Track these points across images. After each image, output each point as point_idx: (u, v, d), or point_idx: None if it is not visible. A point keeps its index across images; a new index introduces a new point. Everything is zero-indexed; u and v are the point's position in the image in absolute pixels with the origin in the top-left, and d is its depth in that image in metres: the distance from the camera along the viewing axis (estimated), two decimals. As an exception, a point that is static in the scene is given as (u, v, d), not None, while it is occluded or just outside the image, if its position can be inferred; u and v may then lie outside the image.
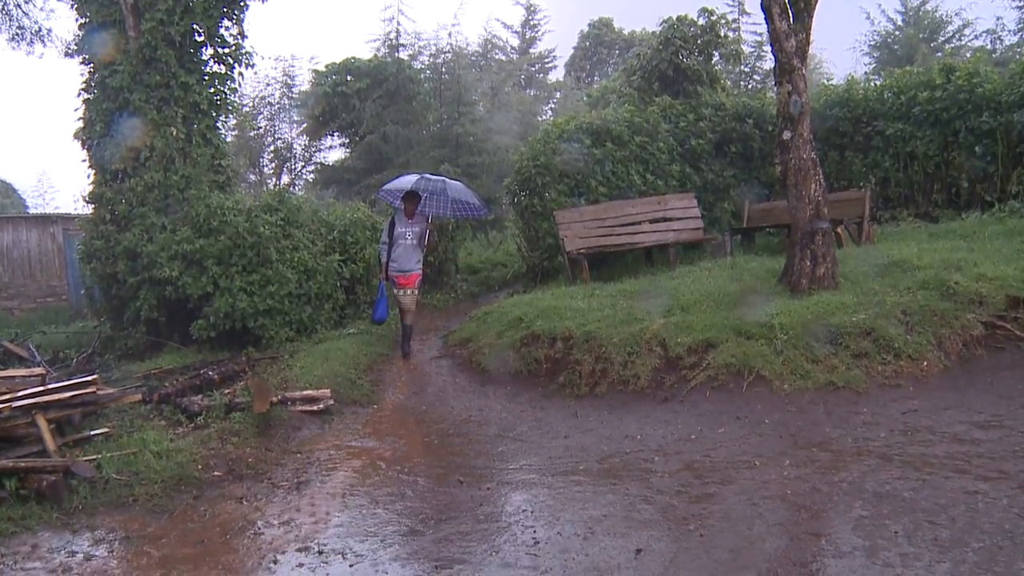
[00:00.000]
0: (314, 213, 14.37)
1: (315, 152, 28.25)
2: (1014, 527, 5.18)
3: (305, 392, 9.29)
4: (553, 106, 38.52)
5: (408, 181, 12.27)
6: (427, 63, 25.69)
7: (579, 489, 6.49)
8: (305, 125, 25.21)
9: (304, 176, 28.92)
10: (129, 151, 12.98)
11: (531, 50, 44.18)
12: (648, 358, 8.91)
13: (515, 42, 44.04)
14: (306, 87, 25.70)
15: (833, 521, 5.57)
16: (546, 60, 44.43)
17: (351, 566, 5.33)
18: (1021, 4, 28.30)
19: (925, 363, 8.36)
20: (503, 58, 42.53)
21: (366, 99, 23.55)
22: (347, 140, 25.71)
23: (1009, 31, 29.77)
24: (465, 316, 13.21)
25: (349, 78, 23.93)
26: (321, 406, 9.12)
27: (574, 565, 5.11)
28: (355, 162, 24.41)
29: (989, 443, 6.74)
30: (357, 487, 6.94)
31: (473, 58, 37.55)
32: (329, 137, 26.67)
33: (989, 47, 28.99)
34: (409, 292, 11.64)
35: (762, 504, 5.89)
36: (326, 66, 24.55)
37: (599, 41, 40.99)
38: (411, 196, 11.74)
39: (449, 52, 26.09)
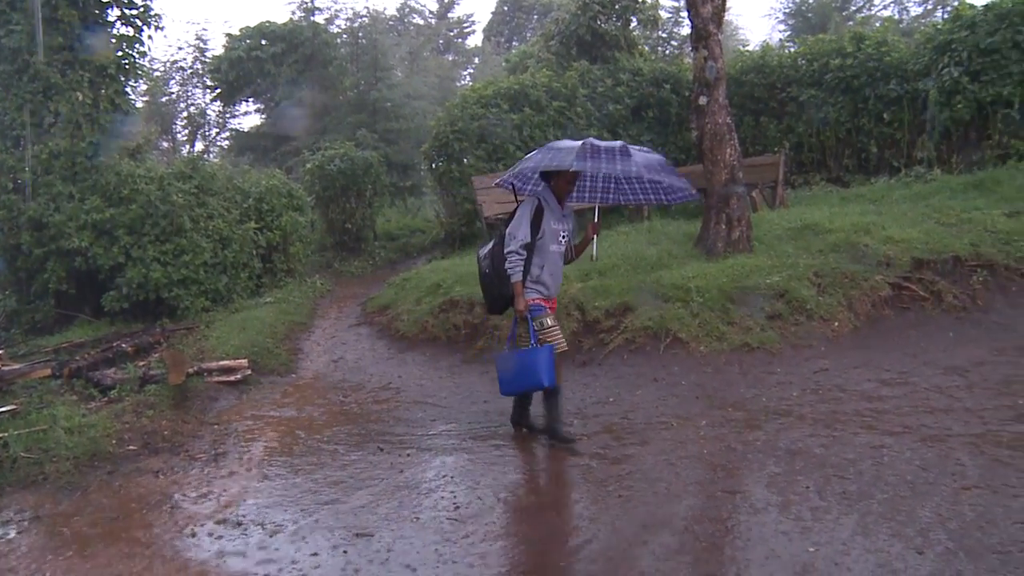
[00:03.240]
0: (229, 180, 14.05)
1: (229, 118, 27.65)
2: (915, 478, 5.40)
3: (222, 362, 9.13)
4: (472, 71, 38.27)
5: (567, 149, 6.43)
6: (343, 27, 25.26)
7: (499, 453, 6.52)
8: (219, 91, 24.57)
9: (219, 143, 28.30)
10: (31, 116, 12.50)
11: (449, 15, 43.72)
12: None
13: (433, 6, 43.55)
14: (219, 51, 25.06)
15: (748, 478, 5.69)
16: (465, 25, 44.08)
17: (271, 536, 5.26)
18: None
19: (836, 323, 8.59)
20: (421, 22, 42.05)
21: (281, 64, 23.08)
22: (262, 106, 25.21)
23: (915, 2, 30.57)
24: (383, 283, 13.10)
25: (264, 42, 23.40)
26: (239, 376, 8.98)
27: (495, 529, 5.13)
28: (271, 128, 23.98)
29: (894, 399, 6.98)
30: (276, 457, 6.85)
31: (390, 22, 37.02)
32: (244, 103, 26.10)
33: (896, 17, 29.64)
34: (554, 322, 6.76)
35: (679, 464, 5.99)
36: (240, 30, 23.95)
37: (518, 6, 40.71)
38: (568, 174, 6.66)
39: (366, 16, 25.70)
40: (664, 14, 26.45)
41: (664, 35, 27.11)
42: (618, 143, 6.61)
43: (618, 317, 8.84)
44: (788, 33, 31.94)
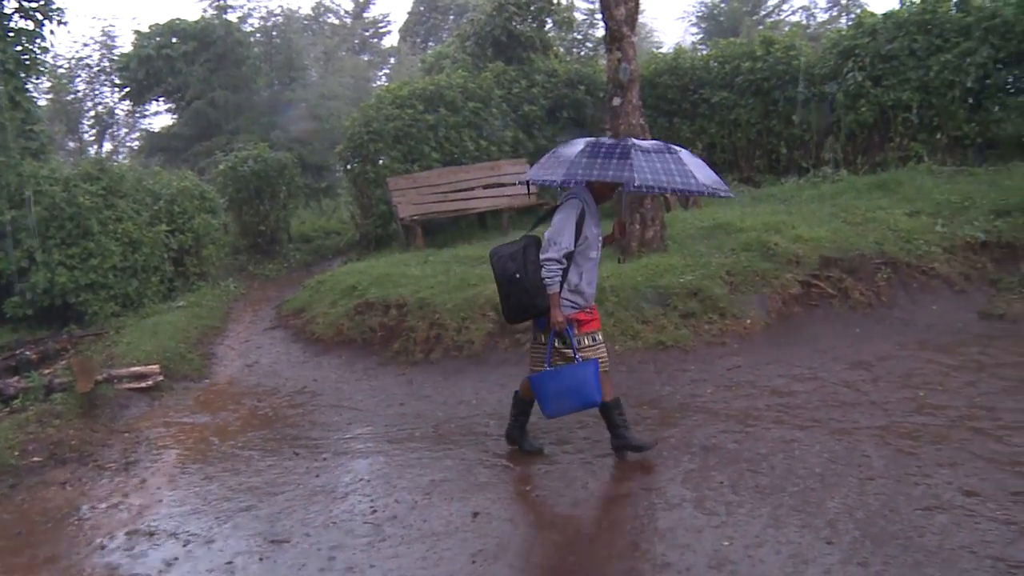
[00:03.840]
0: (138, 182, 13.74)
1: (139, 118, 27.03)
2: (824, 470, 5.56)
3: (132, 368, 8.95)
4: (388, 72, 38.06)
5: (620, 160, 5.81)
6: (257, 26, 24.90)
7: (416, 456, 6.51)
8: (127, 90, 23.98)
9: (128, 143, 27.64)
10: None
11: (365, 14, 43.35)
12: (482, 323, 8.99)
13: (349, 6, 43.14)
14: (128, 49, 24.45)
15: (663, 475, 5.76)
16: (380, 25, 43.74)
17: (184, 546, 5.18)
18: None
19: (748, 321, 8.77)
20: (336, 22, 41.64)
21: (193, 63, 22.62)
22: (173, 106, 24.67)
23: (821, 9, 31.51)
24: (298, 286, 12.95)
25: (174, 40, 22.90)
26: (150, 382, 8.82)
27: (412, 531, 5.12)
28: (182, 129, 23.49)
29: (805, 394, 7.16)
30: (189, 464, 6.74)
31: (305, 22, 36.63)
32: (154, 102, 25.52)
33: (804, 23, 30.41)
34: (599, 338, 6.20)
35: (595, 462, 6.06)
36: (149, 27, 23.39)
37: (433, 6, 40.57)
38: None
39: (280, 15, 25.38)
40: (579, 16, 26.69)
41: (579, 37, 27.28)
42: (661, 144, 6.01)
43: (534, 317, 8.91)
44: (701, 36, 32.55)
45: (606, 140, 6.02)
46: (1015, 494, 5.03)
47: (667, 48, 23.51)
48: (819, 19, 31.23)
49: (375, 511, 5.47)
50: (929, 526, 4.69)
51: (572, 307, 5.90)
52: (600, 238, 6.09)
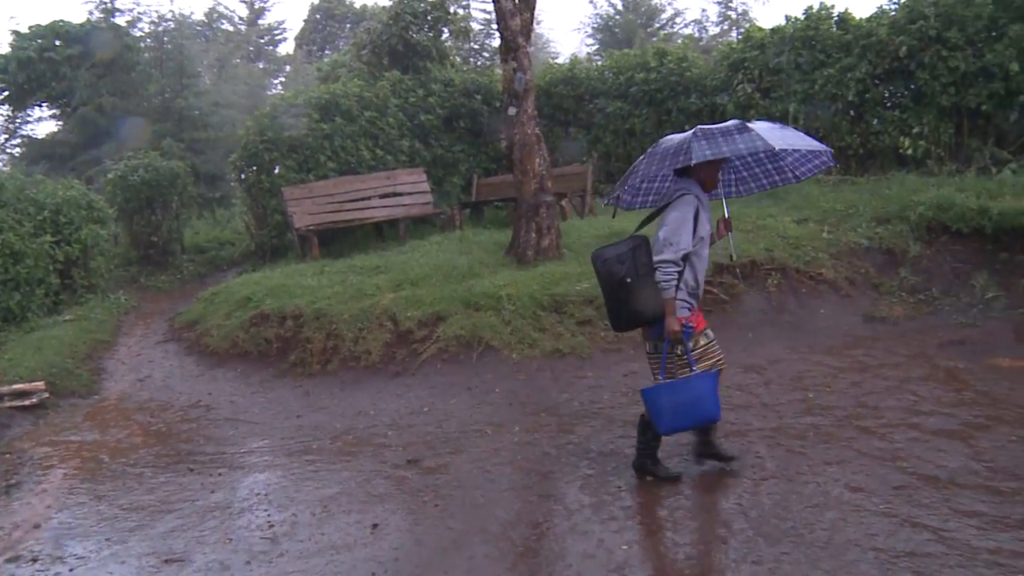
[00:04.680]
0: (20, 191, 13.21)
1: (21, 124, 25.96)
2: (719, 472, 5.71)
3: (15, 386, 8.62)
4: (283, 80, 37.53)
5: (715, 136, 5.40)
6: (147, 31, 24.21)
7: (313, 469, 6.44)
8: (6, 94, 23.02)
9: (8, 150, 26.55)
10: None
11: (259, 21, 42.70)
12: (379, 333, 8.93)
13: (243, 12, 42.45)
14: (5, 50, 23.50)
15: (561, 481, 5.83)
16: (275, 32, 43.13)
17: (71, 570, 5.01)
18: (721, 1, 30.87)
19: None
20: (230, 29, 40.90)
21: (78, 67, 21.87)
22: (58, 112, 23.80)
23: (713, 22, 32.25)
24: (192, 297, 12.64)
25: (58, 43, 22.10)
26: (34, 400, 8.52)
27: (311, 545, 5.07)
28: (68, 135, 22.64)
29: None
30: (77, 484, 6.52)
31: (198, 28, 35.84)
32: (37, 108, 24.55)
33: (696, 35, 31.09)
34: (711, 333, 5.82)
35: (494, 471, 6.08)
36: (30, 28, 22.51)
37: (330, 14, 40.14)
38: (715, 164, 5.55)
39: (171, 20, 24.72)
40: (476, 26, 26.84)
41: (476, 46, 27.42)
42: (732, 122, 5.49)
43: (431, 327, 8.89)
44: (596, 47, 32.96)
45: (706, 126, 5.49)
46: (896, 488, 5.26)
47: (563, 59, 23.82)
48: (711, 32, 31.99)
49: (272, 526, 5.39)
50: (818, 522, 4.86)
51: (688, 309, 5.49)
52: (710, 233, 5.66)
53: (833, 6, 14.03)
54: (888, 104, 13.07)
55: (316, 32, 40.74)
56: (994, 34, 11.99)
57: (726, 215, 5.82)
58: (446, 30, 19.04)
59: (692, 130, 5.39)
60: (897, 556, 4.42)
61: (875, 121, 13.04)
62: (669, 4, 34.90)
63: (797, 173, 5.99)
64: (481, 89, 17.13)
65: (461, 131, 16.93)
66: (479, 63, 25.70)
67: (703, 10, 55.49)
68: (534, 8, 11.11)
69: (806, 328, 9.11)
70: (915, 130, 12.51)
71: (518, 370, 8.25)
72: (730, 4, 31.09)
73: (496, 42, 11.85)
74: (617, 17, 33.62)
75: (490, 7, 11.09)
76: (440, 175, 16.27)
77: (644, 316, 5.45)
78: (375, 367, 8.72)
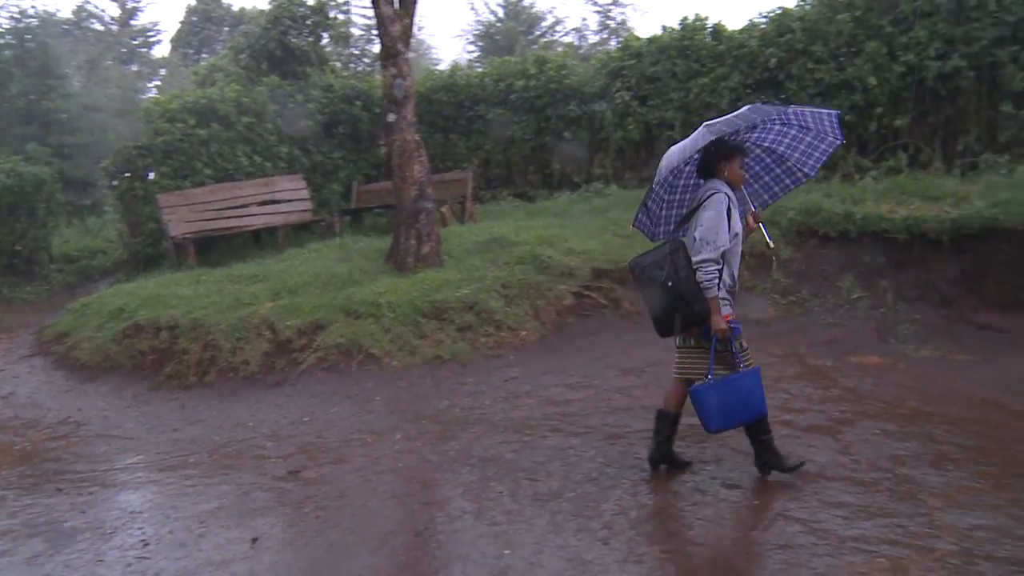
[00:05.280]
0: None
1: None
2: (600, 474, 5.80)
3: None
4: (158, 83, 36.49)
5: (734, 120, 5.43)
6: (7, 27, 23.21)
7: (190, 483, 6.27)
8: None
9: None
10: None
11: (132, 22, 41.39)
12: (258, 343, 8.78)
13: (115, 12, 41.06)
14: None
15: (444, 488, 5.84)
16: (149, 34, 41.88)
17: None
18: (601, 9, 31.36)
19: (524, 332, 9.00)
20: (100, 28, 39.53)
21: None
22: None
23: (593, 31, 32.74)
24: (61, 309, 12.14)
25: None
26: None
27: (188, 562, 4.93)
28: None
29: (579, 402, 7.43)
30: (-70, 512, 6.20)
31: (65, 26, 34.53)
32: None
33: (576, 43, 31.52)
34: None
35: (376, 480, 6.04)
36: None
37: (207, 16, 39.18)
38: (733, 151, 5.54)
39: (34, 17, 23.75)
40: (356, 31, 26.63)
41: (356, 52, 27.18)
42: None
43: (310, 335, 8.77)
44: (477, 54, 33.09)
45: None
46: (769, 483, 5.50)
47: (444, 65, 23.85)
48: (590, 40, 32.50)
49: (147, 544, 5.22)
50: (697, 520, 5.02)
51: (729, 306, 5.42)
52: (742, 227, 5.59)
53: (707, 18, 14.44)
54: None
55: (193, 35, 39.74)
56: (853, 49, 12.57)
57: (752, 208, 5.76)
58: (326, 35, 18.86)
59: (705, 125, 5.32)
60: (771, 549, 4.60)
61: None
62: (550, 12, 35.49)
63: (806, 169, 5.96)
64: (361, 95, 17.00)
65: (341, 137, 16.76)
66: (359, 69, 25.46)
67: (583, 19, 56.41)
68: (414, 14, 11.10)
69: (683, 331, 9.32)
70: (785, 138, 12.94)
71: (399, 377, 8.22)
72: (609, 13, 31.67)
73: (376, 48, 11.81)
74: (498, 24, 33.85)
75: (371, 12, 11.04)
76: (320, 182, 16.07)
77: (692, 318, 5.39)
78: (254, 377, 8.55)
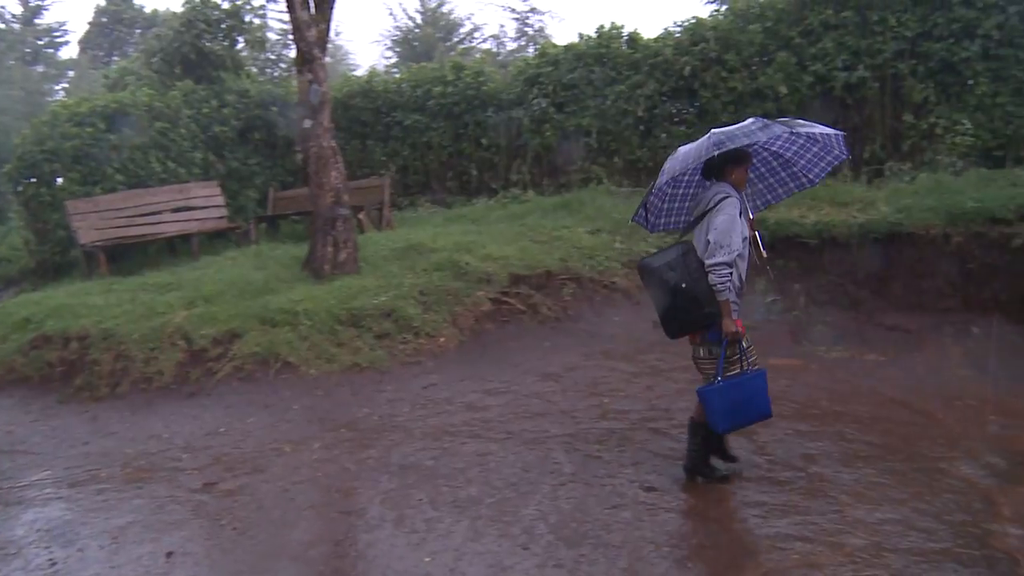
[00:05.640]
0: None
1: None
2: (519, 479, 5.84)
3: None
4: (66, 86, 35.49)
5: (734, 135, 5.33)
6: None
7: (102, 498, 6.12)
8: None
9: None
10: None
11: (37, 21, 40.16)
12: (171, 353, 8.60)
13: (17, 9, 39.80)
14: None
15: (363, 497, 5.82)
16: (56, 34, 40.69)
17: None
18: (519, 16, 31.54)
19: (442, 339, 9.00)
20: (2, 27, 38.30)
21: None
22: None
23: (511, 38, 32.86)
24: (-38, 321, 11.79)
25: None
26: None
27: (97, 581, 4.84)
28: None
29: (498, 408, 7.46)
30: None
31: (-37, 24, 33.40)
32: None
33: (494, 50, 31.61)
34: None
35: (294, 490, 5.99)
36: None
37: (117, 18, 38.19)
38: (743, 157, 5.62)
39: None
40: (272, 36, 26.33)
41: (272, 57, 26.90)
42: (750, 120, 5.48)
43: (226, 345, 8.62)
44: (395, 60, 32.94)
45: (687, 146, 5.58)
46: (687, 485, 5.63)
47: (362, 71, 23.73)
48: (508, 47, 32.60)
49: (55, 563, 5.09)
50: (615, 523, 5.09)
51: (738, 310, 5.49)
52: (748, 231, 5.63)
53: (623, 26, 14.64)
54: (675, 120, 13.75)
55: (103, 36, 38.74)
56: (765, 59, 12.92)
57: (750, 215, 5.80)
58: (241, 39, 18.58)
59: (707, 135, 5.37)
60: (690, 550, 4.71)
61: (663, 136, 13.67)
62: (468, 19, 35.43)
63: (811, 176, 6.02)
64: (277, 100, 16.79)
65: (257, 143, 16.55)
66: (276, 74, 25.20)
67: (501, 26, 56.59)
68: (331, 19, 11.01)
69: (601, 335, 9.44)
70: (697, 145, 13.19)
71: (316, 386, 8.15)
72: (527, 21, 31.84)
73: (293, 53, 11.68)
74: (416, 30, 33.75)
75: (287, 17, 10.93)
76: (235, 188, 15.82)
77: (703, 320, 5.43)
78: (168, 388, 8.37)
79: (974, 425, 6.49)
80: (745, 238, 5.46)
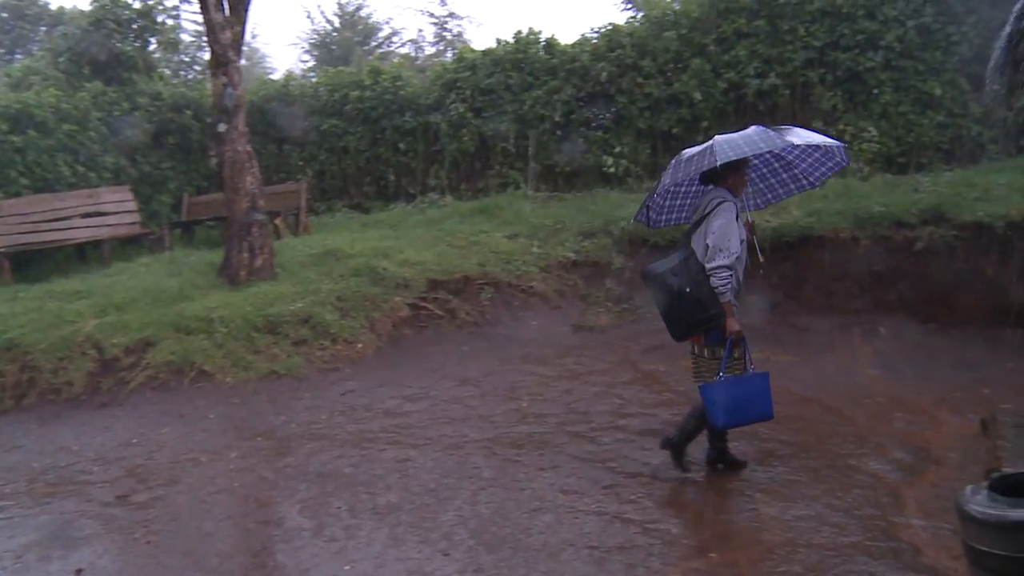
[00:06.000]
0: None
1: None
2: (439, 485, 5.85)
3: None
4: (-36, 85, 34.23)
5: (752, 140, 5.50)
6: None
7: (6, 516, 5.92)
8: None
9: None
10: None
11: (-75, 14, 38.65)
12: (81, 362, 8.36)
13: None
14: None
15: (281, 506, 5.76)
16: (-51, 30, 39.27)
17: None
18: (437, 21, 31.50)
19: (360, 345, 8.96)
20: None
21: None
22: None
23: (429, 43, 32.72)
24: None
25: None
26: None
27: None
28: None
29: (417, 413, 7.47)
30: None
31: None
32: None
33: (412, 55, 31.44)
34: None
35: (211, 500, 5.92)
36: None
37: (20, 14, 36.96)
38: (741, 162, 5.62)
39: None
40: (187, 37, 25.82)
41: (187, 59, 26.40)
42: (752, 128, 5.66)
43: (139, 353, 8.43)
44: (312, 63, 32.56)
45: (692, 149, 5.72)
46: (606, 488, 5.66)
47: (278, 74, 23.39)
48: (427, 52, 32.46)
49: (-49, 586, 4.94)
50: (535, 526, 5.12)
51: (736, 313, 5.59)
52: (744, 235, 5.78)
53: (541, 32, 14.75)
54: (592, 125, 13.87)
55: (4, 33, 37.56)
56: (680, 66, 13.15)
57: (749, 219, 5.96)
58: (153, 40, 18.21)
59: (711, 140, 5.51)
60: (609, 551, 4.76)
61: (580, 141, 13.79)
62: (387, 23, 35.05)
63: (812, 179, 6.16)
64: (191, 104, 16.49)
65: (171, 147, 16.21)
66: (190, 76, 24.73)
67: (420, 30, 56.31)
68: (246, 21, 10.87)
69: (519, 339, 9.50)
70: (616, 150, 13.41)
71: (233, 394, 8.04)
72: (446, 26, 31.80)
73: (207, 55, 11.49)
74: (334, 34, 33.40)
75: (201, 18, 10.74)
76: (148, 193, 15.47)
77: (707, 322, 5.56)
78: (78, 399, 8.14)
79: (882, 422, 6.68)
80: (743, 241, 5.60)
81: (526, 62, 14.34)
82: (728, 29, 12.85)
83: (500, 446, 6.54)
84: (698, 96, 12.76)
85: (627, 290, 10.29)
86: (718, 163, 5.32)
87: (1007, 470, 4.04)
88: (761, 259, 6.05)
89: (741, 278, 5.70)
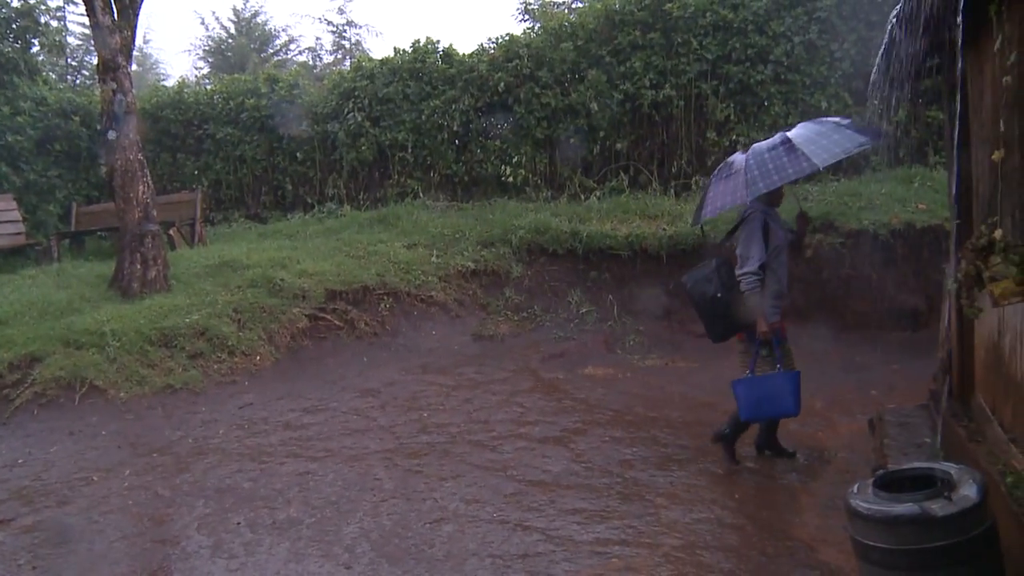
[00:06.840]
0: None
1: None
2: (339, 498, 5.82)
3: None
4: None
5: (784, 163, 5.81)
6: None
7: None
8: None
9: None
10: None
11: None
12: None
13: None
14: None
15: (178, 524, 5.65)
16: None
17: None
18: (335, 29, 31.24)
19: (258, 357, 8.86)
20: None
21: None
22: None
23: (327, 51, 32.40)
24: None
25: None
26: None
27: None
28: None
29: (317, 426, 7.42)
30: None
31: None
32: None
33: (311, 63, 31.09)
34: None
35: (103, 520, 5.77)
36: None
37: None
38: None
39: None
40: (74, 40, 25.06)
41: (74, 63, 25.64)
42: (778, 137, 6.00)
43: (24, 369, 8.13)
44: (207, 70, 31.91)
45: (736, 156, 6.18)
46: (508, 496, 5.70)
47: (172, 81, 22.80)
48: (325, 60, 32.12)
49: None
50: (438, 537, 5.14)
51: (777, 312, 6.04)
52: (789, 236, 6.28)
53: (439, 41, 14.75)
54: (490, 135, 13.94)
55: None
56: (577, 76, 13.33)
57: (801, 210, 6.63)
58: (36, 42, 17.60)
59: (745, 155, 5.97)
60: (511, 559, 4.80)
61: (478, 150, 13.85)
62: (284, 31, 34.63)
63: (817, 161, 5.98)
64: (79, 110, 16.02)
65: (58, 154, 15.69)
66: (79, 81, 24.02)
67: (318, 38, 55.75)
68: (135, 26, 10.64)
69: (419, 349, 9.51)
70: (514, 159, 13.50)
71: (127, 410, 7.84)
72: (344, 34, 31.53)
73: (95, 59, 11.14)
74: (230, 41, 32.83)
75: (88, 21, 10.47)
76: (34, 202, 14.96)
77: (740, 324, 6.02)
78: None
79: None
80: (776, 246, 6.02)
81: (424, 71, 14.33)
82: (624, 41, 13.09)
83: (401, 457, 6.54)
84: (595, 106, 12.94)
85: (527, 298, 10.39)
86: (748, 199, 5.86)
87: (891, 467, 4.22)
88: (807, 253, 6.82)
89: (784, 279, 6.13)
